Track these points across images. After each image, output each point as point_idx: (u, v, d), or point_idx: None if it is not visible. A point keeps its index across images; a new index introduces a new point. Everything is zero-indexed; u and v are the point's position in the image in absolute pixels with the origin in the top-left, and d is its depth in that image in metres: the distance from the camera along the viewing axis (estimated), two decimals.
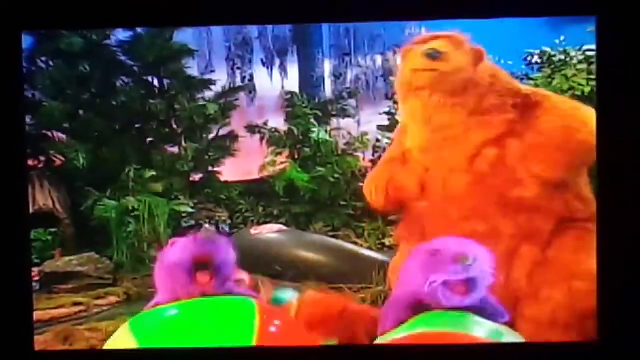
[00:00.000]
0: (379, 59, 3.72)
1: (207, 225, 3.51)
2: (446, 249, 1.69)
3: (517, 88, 2.33)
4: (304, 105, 3.63)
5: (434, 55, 2.19)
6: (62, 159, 3.48)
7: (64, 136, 3.53)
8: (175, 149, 3.66)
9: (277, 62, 3.73)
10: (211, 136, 3.72)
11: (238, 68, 3.74)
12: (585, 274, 2.14)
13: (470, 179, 2.25)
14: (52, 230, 3.28)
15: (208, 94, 3.67)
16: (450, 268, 1.65)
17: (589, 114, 2.23)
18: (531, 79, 3.23)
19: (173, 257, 1.79)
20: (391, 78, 3.62)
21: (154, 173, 3.49)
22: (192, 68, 3.62)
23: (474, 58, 2.27)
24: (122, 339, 1.69)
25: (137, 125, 3.64)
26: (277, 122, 3.66)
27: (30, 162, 3.21)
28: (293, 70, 3.72)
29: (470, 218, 2.23)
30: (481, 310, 1.74)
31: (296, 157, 3.64)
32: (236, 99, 3.72)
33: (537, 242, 2.22)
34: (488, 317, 1.74)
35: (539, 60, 3.30)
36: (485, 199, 2.23)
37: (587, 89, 3.03)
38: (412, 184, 2.33)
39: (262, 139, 3.67)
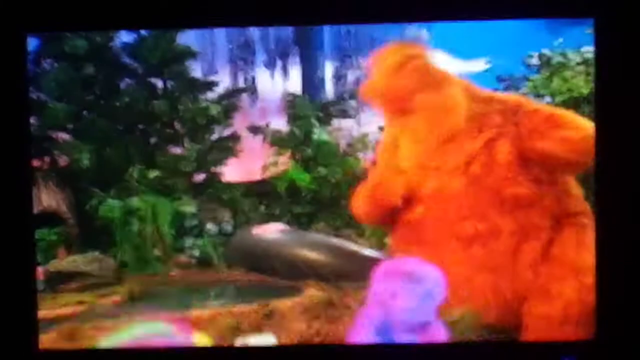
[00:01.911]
0: None
1: (209, 225, 3.53)
2: (399, 268, 2.00)
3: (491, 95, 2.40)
4: (305, 106, 3.64)
5: None
6: (67, 159, 3.50)
7: (68, 137, 3.54)
8: (179, 150, 3.68)
9: (279, 63, 3.75)
10: (214, 137, 3.74)
11: (240, 70, 3.76)
12: (591, 269, 2.17)
13: (465, 181, 2.27)
14: (57, 230, 3.30)
15: (211, 96, 3.68)
16: (404, 283, 1.94)
17: (570, 116, 2.28)
18: (530, 80, 3.24)
19: None
20: None
21: (157, 173, 3.51)
22: (195, 70, 3.64)
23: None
24: None
25: (140, 126, 3.66)
26: (279, 123, 3.67)
27: (35, 163, 3.24)
28: (295, 71, 3.73)
29: (469, 218, 2.26)
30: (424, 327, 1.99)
31: (298, 157, 3.66)
32: (238, 101, 3.74)
33: (538, 239, 2.25)
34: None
35: (537, 62, 3.31)
36: (481, 199, 2.25)
37: (586, 91, 3.04)
38: (399, 186, 2.36)
39: (264, 139, 3.68)
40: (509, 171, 2.26)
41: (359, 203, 2.55)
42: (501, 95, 2.50)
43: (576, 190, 2.35)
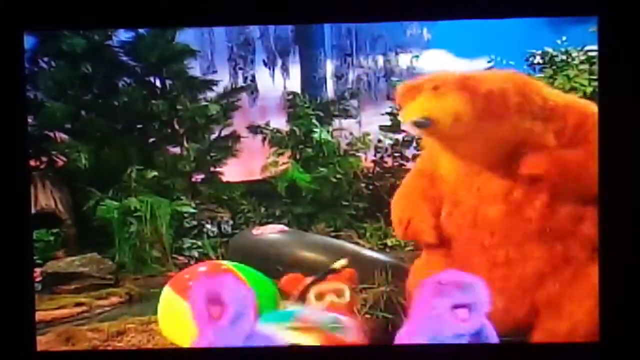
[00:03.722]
0: (380, 60, 3.72)
1: (209, 225, 3.51)
2: (448, 279, 1.94)
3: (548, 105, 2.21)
4: (305, 105, 3.62)
5: (422, 125, 2.06)
6: (64, 159, 3.48)
7: (65, 137, 3.52)
8: (177, 150, 3.66)
9: (279, 62, 3.73)
10: (213, 137, 3.72)
11: (240, 68, 3.74)
12: None
13: (505, 209, 2.19)
14: (54, 230, 3.28)
15: (210, 95, 3.66)
16: (454, 294, 1.89)
17: None
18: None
19: None
20: (392, 79, 3.62)
21: (156, 173, 3.49)
22: (194, 68, 3.62)
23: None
24: None
25: (139, 126, 3.63)
26: (279, 123, 3.65)
27: (32, 163, 3.22)
28: (295, 70, 3.71)
29: (503, 245, 2.20)
30: (478, 335, 1.95)
31: (298, 157, 3.64)
32: (238, 100, 3.72)
33: (571, 269, 2.19)
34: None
35: (540, 61, 3.29)
36: (519, 228, 2.18)
37: (589, 89, 3.03)
38: (428, 237, 2.31)
39: (264, 139, 3.67)
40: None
41: (396, 227, 2.47)
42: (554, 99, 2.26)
43: None
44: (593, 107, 2.22)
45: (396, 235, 2.60)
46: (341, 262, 2.53)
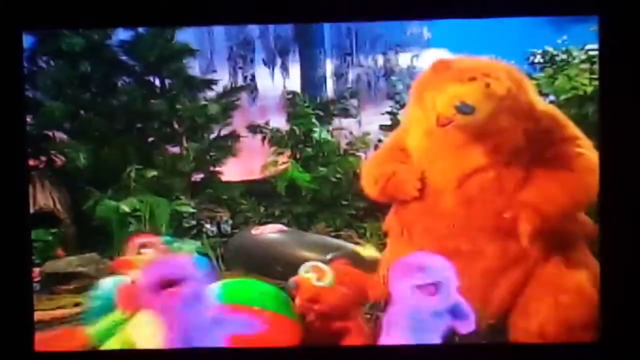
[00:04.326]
0: (380, 59, 3.71)
1: (208, 225, 3.51)
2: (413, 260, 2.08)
3: (533, 107, 2.28)
4: (305, 105, 3.62)
5: (464, 111, 2.11)
6: (63, 159, 3.46)
7: (64, 136, 3.51)
8: (177, 149, 3.65)
9: (279, 61, 3.72)
10: (212, 136, 3.70)
11: (239, 68, 3.73)
12: (571, 288, 2.15)
13: (459, 199, 2.24)
14: (53, 230, 3.28)
15: (209, 94, 3.65)
16: (418, 274, 2.01)
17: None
18: (534, 78, 3.21)
19: None
20: (392, 78, 3.61)
21: (155, 173, 3.48)
22: (194, 68, 3.60)
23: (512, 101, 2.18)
24: None
25: (138, 125, 3.62)
26: (279, 122, 3.64)
27: (31, 162, 3.20)
28: (295, 70, 3.70)
29: (456, 236, 2.23)
30: (453, 311, 2.06)
31: (298, 157, 3.63)
32: (238, 99, 3.70)
33: (524, 266, 2.22)
34: (459, 319, 2.07)
35: (541, 60, 3.28)
36: (473, 220, 2.22)
37: (590, 89, 3.02)
38: (412, 187, 2.33)
39: (263, 138, 3.65)
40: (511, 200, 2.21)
41: (370, 187, 2.48)
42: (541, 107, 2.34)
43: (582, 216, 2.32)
44: (566, 120, 2.30)
45: (368, 194, 2.52)
46: (370, 251, 2.63)
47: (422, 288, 2.00)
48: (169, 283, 1.98)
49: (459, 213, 2.22)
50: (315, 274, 2.26)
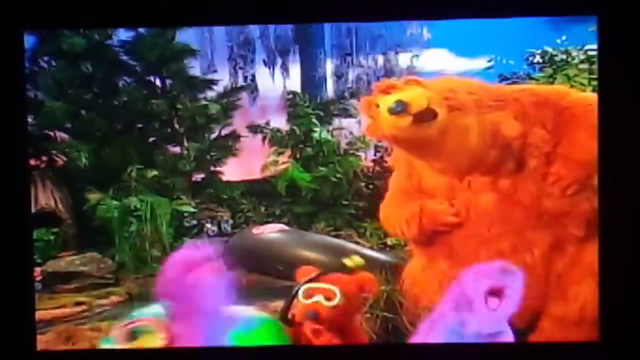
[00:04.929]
0: (380, 59, 3.71)
1: (209, 225, 3.51)
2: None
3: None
4: (305, 105, 3.62)
5: (397, 110, 2.08)
6: (64, 158, 3.47)
7: (66, 136, 3.52)
8: (177, 149, 3.66)
9: (279, 62, 3.72)
10: (213, 136, 3.71)
11: (240, 68, 3.73)
12: None
13: (496, 197, 2.22)
14: (54, 230, 3.28)
15: (210, 94, 3.65)
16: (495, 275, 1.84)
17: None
18: (533, 78, 3.22)
19: None
20: (392, 78, 3.61)
21: (156, 173, 3.49)
22: (194, 68, 3.61)
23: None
24: None
25: (139, 125, 3.63)
26: (279, 122, 3.64)
27: (32, 162, 3.21)
28: (295, 70, 3.71)
29: (503, 235, 2.22)
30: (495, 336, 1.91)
31: (298, 156, 3.63)
32: (238, 99, 3.70)
33: (569, 249, 2.21)
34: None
35: (540, 60, 3.28)
36: (514, 214, 2.20)
37: (589, 89, 3.02)
38: (450, 215, 2.30)
39: (264, 138, 3.66)
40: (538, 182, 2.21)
41: (403, 230, 2.43)
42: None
43: None
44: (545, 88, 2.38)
45: (408, 235, 2.43)
46: (356, 260, 2.36)
47: (490, 295, 1.84)
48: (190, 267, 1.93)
49: (498, 210, 2.23)
50: (322, 295, 2.16)
